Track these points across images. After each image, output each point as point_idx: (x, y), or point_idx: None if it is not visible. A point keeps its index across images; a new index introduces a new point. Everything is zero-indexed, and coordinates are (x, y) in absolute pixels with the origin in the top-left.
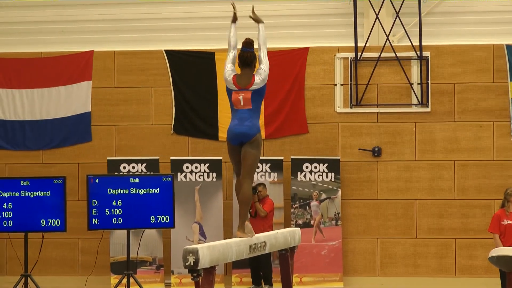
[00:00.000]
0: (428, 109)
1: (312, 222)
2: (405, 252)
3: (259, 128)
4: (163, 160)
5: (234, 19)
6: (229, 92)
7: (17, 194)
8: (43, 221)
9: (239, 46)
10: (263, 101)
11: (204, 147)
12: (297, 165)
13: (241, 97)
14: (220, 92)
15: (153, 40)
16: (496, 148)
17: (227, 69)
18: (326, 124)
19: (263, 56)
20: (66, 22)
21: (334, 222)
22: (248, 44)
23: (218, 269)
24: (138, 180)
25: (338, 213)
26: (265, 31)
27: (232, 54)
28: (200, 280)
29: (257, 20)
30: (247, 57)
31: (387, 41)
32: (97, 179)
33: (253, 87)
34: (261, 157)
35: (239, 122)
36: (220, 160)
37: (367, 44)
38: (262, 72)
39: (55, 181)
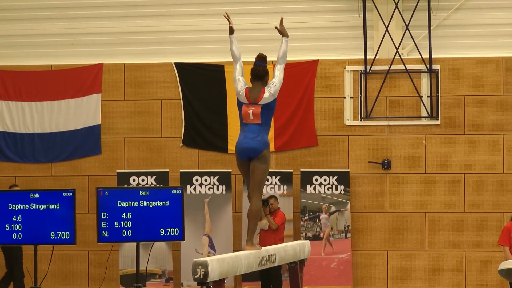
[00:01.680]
0: (438, 122)
1: (321, 234)
2: (415, 265)
3: (267, 143)
4: (173, 172)
5: (231, 31)
6: (240, 105)
7: (26, 206)
8: (52, 234)
9: (246, 59)
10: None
11: (213, 160)
12: (306, 178)
13: (250, 111)
14: (229, 105)
15: (162, 53)
16: (506, 161)
17: (239, 82)
18: (336, 136)
19: (279, 71)
20: (76, 35)
21: (343, 234)
22: (261, 58)
23: (227, 281)
24: (147, 193)
25: (348, 226)
26: (287, 46)
27: (238, 66)
28: None
29: (283, 33)
30: (258, 70)
31: (397, 53)
32: (106, 192)
33: (263, 101)
34: (270, 170)
35: (247, 137)
36: (230, 172)
37: (377, 57)
38: (272, 86)
39: (64, 194)
